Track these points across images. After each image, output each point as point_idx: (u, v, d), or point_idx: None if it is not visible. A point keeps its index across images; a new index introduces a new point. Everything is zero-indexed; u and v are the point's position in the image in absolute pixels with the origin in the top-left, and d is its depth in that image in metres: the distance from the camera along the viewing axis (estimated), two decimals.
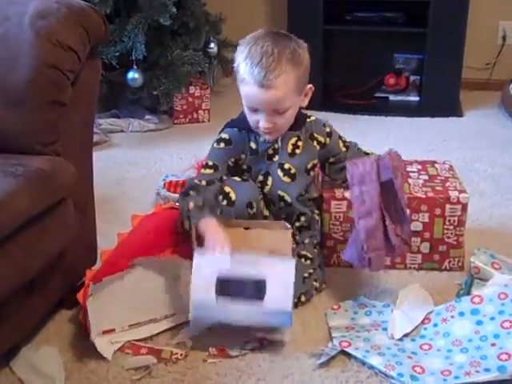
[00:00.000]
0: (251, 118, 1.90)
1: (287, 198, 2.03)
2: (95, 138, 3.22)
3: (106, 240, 2.16)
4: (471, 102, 3.96)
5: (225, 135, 1.98)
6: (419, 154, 3.14)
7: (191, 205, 1.81)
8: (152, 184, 2.80)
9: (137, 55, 3.22)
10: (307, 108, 2.01)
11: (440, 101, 3.79)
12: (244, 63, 1.82)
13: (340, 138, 2.12)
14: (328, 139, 2.06)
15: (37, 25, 1.72)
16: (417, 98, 4.01)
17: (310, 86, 1.95)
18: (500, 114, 3.82)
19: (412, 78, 4.11)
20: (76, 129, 1.88)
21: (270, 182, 2.02)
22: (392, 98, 4.05)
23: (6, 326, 1.63)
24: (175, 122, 3.67)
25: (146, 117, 3.58)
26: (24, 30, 1.71)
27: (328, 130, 2.07)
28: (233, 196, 1.93)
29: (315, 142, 2.04)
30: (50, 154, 1.76)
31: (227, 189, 1.94)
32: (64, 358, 1.76)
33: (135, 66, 3.28)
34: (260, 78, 1.79)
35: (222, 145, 1.97)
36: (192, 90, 3.65)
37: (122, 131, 3.51)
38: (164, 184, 2.66)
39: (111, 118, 3.54)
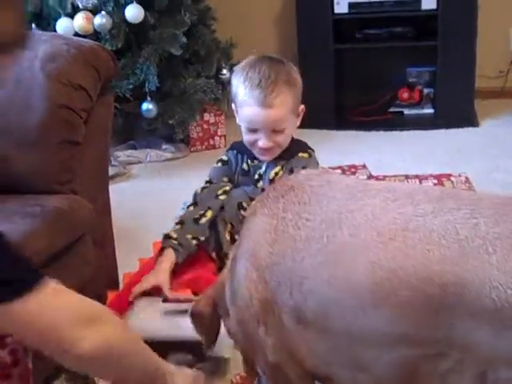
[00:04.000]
0: (249, 138, 1.94)
1: None
2: (114, 170, 3.29)
3: (128, 271, 2.19)
4: (487, 111, 3.95)
5: (224, 157, 2.07)
6: (437, 167, 3.15)
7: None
8: (172, 213, 2.82)
9: (150, 87, 3.27)
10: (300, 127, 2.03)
11: (455, 112, 3.79)
12: (243, 86, 1.88)
13: None
14: None
15: (47, 67, 1.77)
16: (431, 111, 4.01)
17: (302, 106, 1.99)
18: None
19: (426, 90, 4.12)
20: (91, 165, 1.91)
21: None
22: (407, 112, 4.06)
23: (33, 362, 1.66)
24: (192, 149, 3.70)
25: (163, 146, 3.62)
26: (35, 74, 1.76)
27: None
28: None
29: None
30: (67, 193, 1.79)
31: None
32: None
33: (149, 98, 3.32)
34: (261, 99, 1.85)
35: (220, 164, 2.06)
36: (207, 116, 3.69)
37: (139, 162, 3.55)
38: None
39: (128, 149, 3.59)
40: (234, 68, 1.97)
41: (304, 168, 1.95)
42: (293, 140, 1.99)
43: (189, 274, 1.96)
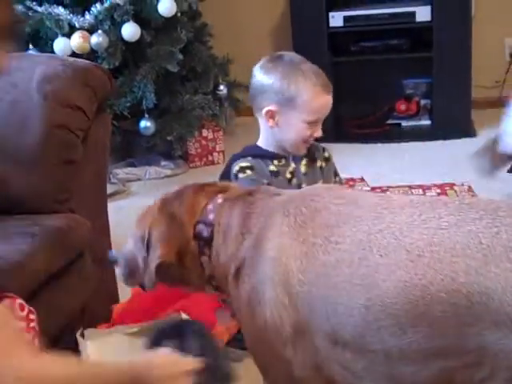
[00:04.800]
0: (305, 134, 1.91)
1: None
2: (113, 188, 3.29)
3: (128, 289, 2.19)
4: (484, 121, 3.94)
5: (244, 163, 1.92)
6: (436, 178, 3.15)
7: None
8: None
9: (147, 104, 3.29)
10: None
11: (452, 123, 3.79)
12: (303, 80, 1.88)
13: (335, 170, 2.11)
14: (324, 163, 2.05)
15: (44, 89, 1.78)
16: (429, 122, 4.02)
17: None
18: None
19: (423, 102, 4.12)
20: (89, 184, 1.93)
21: None
22: (404, 123, 4.06)
23: None
24: (191, 165, 3.71)
25: (162, 163, 3.62)
26: (32, 95, 1.78)
27: (327, 155, 2.06)
28: None
29: (317, 165, 2.04)
30: (65, 212, 1.80)
31: None
32: None
33: (147, 115, 3.34)
34: (329, 87, 1.91)
35: (248, 171, 1.91)
36: (205, 132, 3.70)
37: (138, 179, 3.56)
38: None
39: (127, 167, 3.60)
40: (267, 71, 1.97)
41: (323, 152, 2.04)
42: None
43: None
